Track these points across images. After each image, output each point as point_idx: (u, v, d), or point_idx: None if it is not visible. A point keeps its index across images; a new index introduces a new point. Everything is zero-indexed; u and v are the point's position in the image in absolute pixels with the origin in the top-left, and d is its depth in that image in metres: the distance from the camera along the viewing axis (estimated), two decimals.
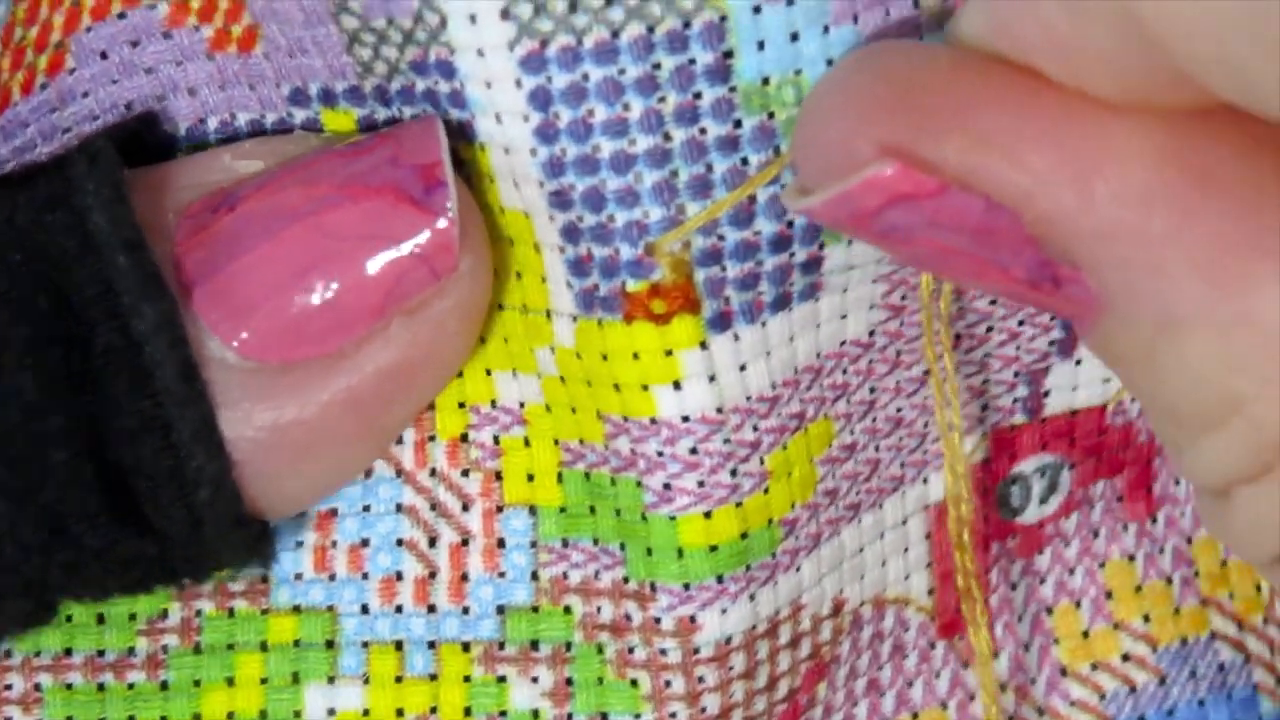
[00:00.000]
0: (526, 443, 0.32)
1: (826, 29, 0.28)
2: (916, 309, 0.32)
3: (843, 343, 0.32)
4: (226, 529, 0.30)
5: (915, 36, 0.29)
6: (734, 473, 0.31)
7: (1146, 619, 0.35)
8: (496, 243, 0.31)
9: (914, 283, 0.32)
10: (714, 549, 0.31)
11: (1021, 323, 0.33)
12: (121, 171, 0.30)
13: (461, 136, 0.30)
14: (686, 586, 0.31)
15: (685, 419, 0.30)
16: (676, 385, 0.30)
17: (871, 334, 0.32)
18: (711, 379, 0.30)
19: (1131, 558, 0.35)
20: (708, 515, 0.31)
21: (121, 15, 0.31)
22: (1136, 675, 0.35)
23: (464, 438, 0.33)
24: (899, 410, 0.33)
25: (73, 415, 0.29)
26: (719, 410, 0.30)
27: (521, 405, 0.32)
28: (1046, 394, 0.34)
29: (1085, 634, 0.35)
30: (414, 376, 0.31)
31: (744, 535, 0.31)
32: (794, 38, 0.28)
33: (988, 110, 0.24)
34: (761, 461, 0.31)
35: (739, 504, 0.31)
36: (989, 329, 0.33)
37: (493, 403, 0.32)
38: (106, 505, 0.29)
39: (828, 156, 0.25)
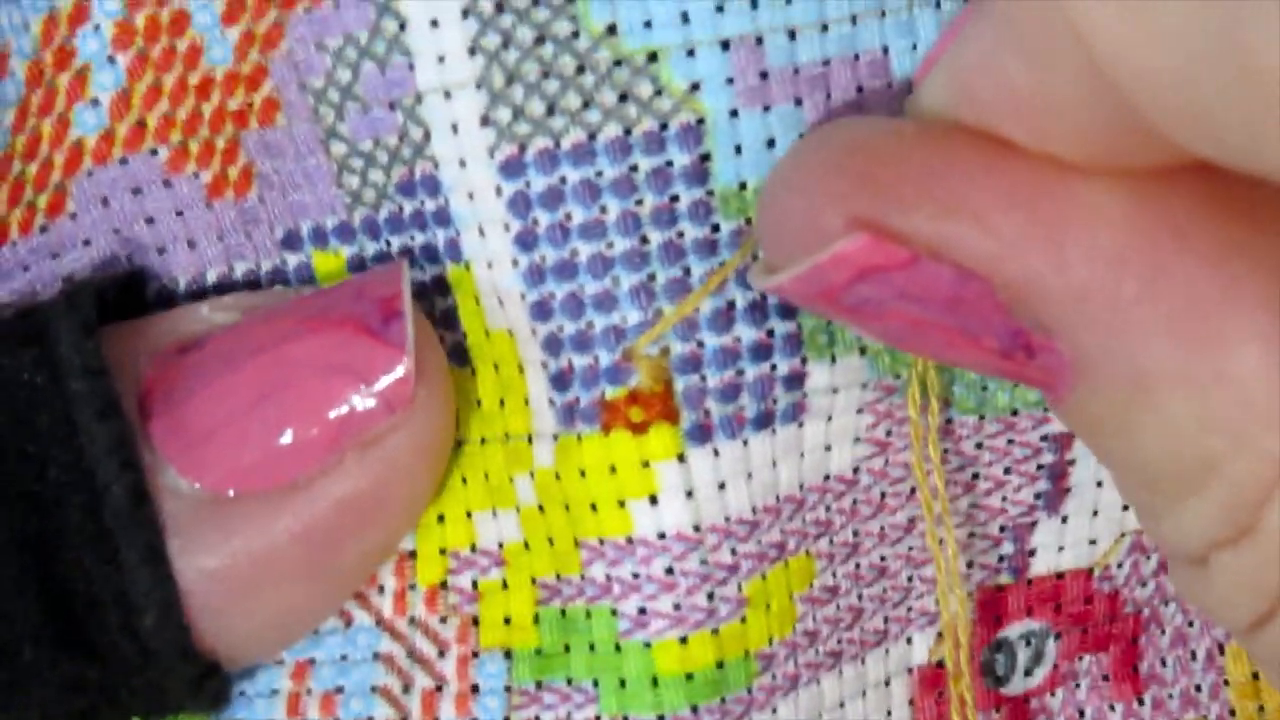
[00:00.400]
0: (504, 585, 0.32)
1: (803, 137, 0.29)
2: (903, 446, 0.32)
3: (826, 476, 0.32)
4: (173, 660, 0.30)
5: None
6: (710, 596, 0.31)
7: None
8: (482, 368, 0.31)
9: (900, 416, 0.32)
10: (689, 677, 0.31)
11: (1008, 470, 0.33)
12: (94, 310, 0.30)
13: (448, 256, 0.31)
14: (660, 718, 0.31)
15: (661, 535, 0.30)
16: (653, 500, 0.30)
17: (856, 470, 0.32)
18: (689, 494, 0.30)
19: None
20: (683, 640, 0.31)
21: (123, 161, 0.32)
22: None
23: (443, 584, 0.32)
24: (883, 559, 0.33)
25: (20, 533, 0.29)
26: (696, 529, 0.30)
27: (500, 545, 0.32)
28: (1032, 553, 0.34)
29: None
30: (367, 512, 0.31)
31: (720, 665, 0.31)
32: (770, 144, 0.29)
33: (954, 178, 0.25)
34: (739, 588, 0.31)
35: (715, 630, 0.31)
36: (975, 475, 0.33)
37: (472, 546, 0.32)
38: (50, 624, 0.29)
39: (795, 232, 0.26)
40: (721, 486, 0.30)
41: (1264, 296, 0.23)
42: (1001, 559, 0.34)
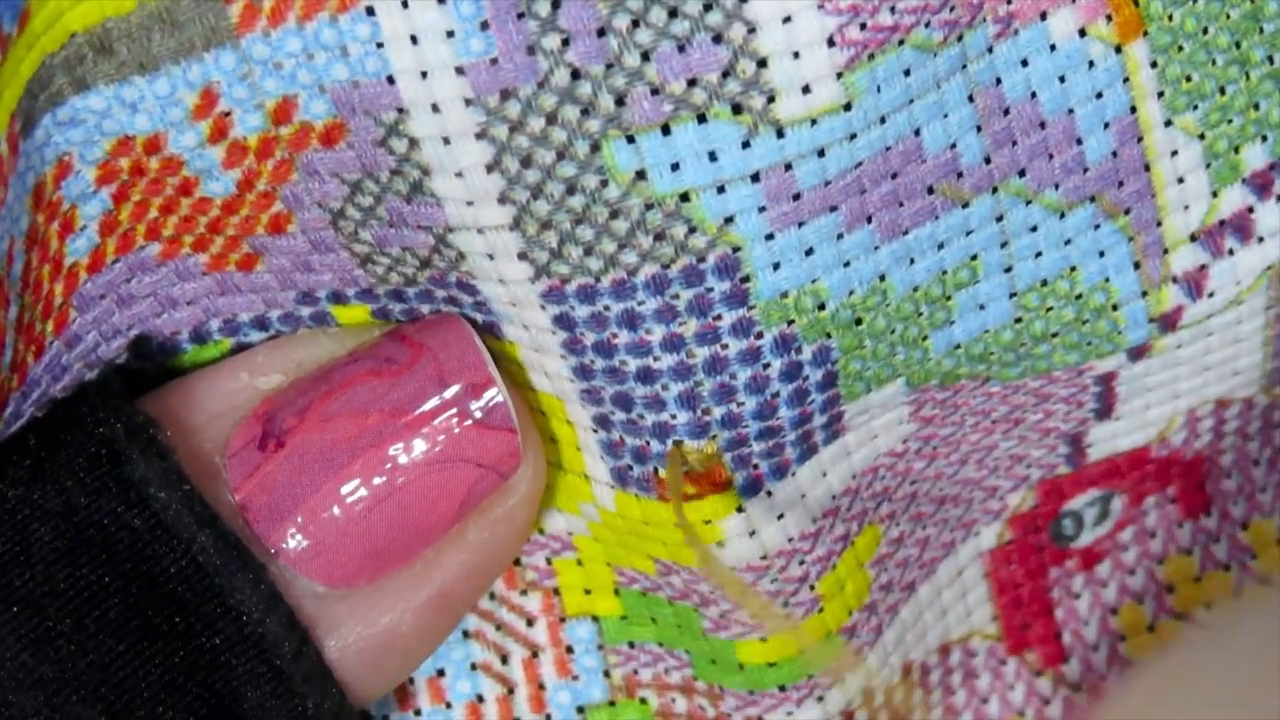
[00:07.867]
0: (579, 563, 0.36)
1: (840, 236, 0.30)
2: (947, 414, 0.34)
3: (876, 457, 0.34)
4: None
5: None
6: (786, 604, 0.34)
7: (1209, 607, 0.39)
8: (530, 412, 0.34)
9: (941, 398, 0.34)
10: (773, 665, 0.35)
11: (1056, 400, 0.35)
12: (163, 435, 0.32)
13: (488, 333, 0.32)
14: (751, 692, 0.35)
15: (731, 570, 0.33)
16: (719, 544, 0.33)
17: (905, 441, 0.34)
18: (752, 534, 0.33)
19: (1189, 551, 0.38)
20: (764, 639, 0.34)
21: (115, 261, 0.33)
22: None
23: (517, 562, 0.36)
24: (941, 491, 0.36)
25: (180, 671, 0.32)
26: (763, 558, 0.33)
27: (570, 534, 0.35)
28: (1089, 446, 0.36)
29: (1150, 628, 0.39)
30: (492, 568, 0.34)
31: (803, 651, 0.35)
32: (809, 252, 0.30)
33: None
34: (812, 588, 0.34)
35: (794, 629, 0.34)
36: (1020, 414, 0.35)
37: (540, 530, 0.35)
38: None
39: None
40: (780, 517, 0.33)
41: None
42: (1058, 456, 0.36)
